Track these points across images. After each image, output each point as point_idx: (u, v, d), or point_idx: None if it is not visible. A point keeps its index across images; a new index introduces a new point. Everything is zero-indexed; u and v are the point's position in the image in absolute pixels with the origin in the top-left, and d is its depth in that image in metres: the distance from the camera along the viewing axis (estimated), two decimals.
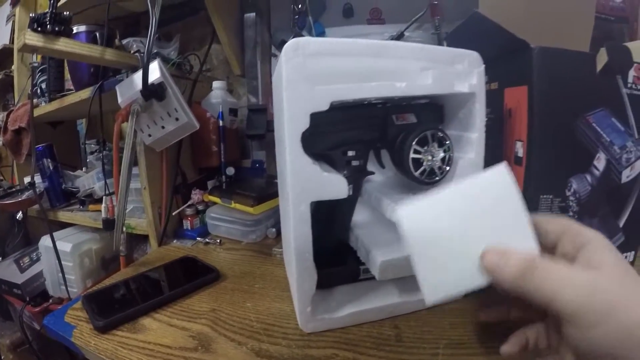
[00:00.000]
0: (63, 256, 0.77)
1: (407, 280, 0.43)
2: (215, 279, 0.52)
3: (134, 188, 0.73)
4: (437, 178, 0.37)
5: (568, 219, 0.28)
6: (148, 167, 0.69)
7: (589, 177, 0.40)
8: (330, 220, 0.46)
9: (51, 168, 0.88)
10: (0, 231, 0.94)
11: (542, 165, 0.38)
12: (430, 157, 0.35)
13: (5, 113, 0.90)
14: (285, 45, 0.31)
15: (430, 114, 0.40)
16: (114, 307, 0.45)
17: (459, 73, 0.35)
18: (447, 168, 0.37)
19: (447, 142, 0.36)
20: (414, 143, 0.34)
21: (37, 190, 0.85)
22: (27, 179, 0.93)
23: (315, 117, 0.40)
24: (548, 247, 0.28)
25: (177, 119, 0.62)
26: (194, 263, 0.57)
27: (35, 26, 0.54)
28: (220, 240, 0.70)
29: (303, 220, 0.34)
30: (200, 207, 0.77)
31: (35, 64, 0.71)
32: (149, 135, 0.64)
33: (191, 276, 0.53)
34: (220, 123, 0.77)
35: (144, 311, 0.45)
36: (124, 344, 0.40)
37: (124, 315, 0.43)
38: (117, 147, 0.56)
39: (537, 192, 0.38)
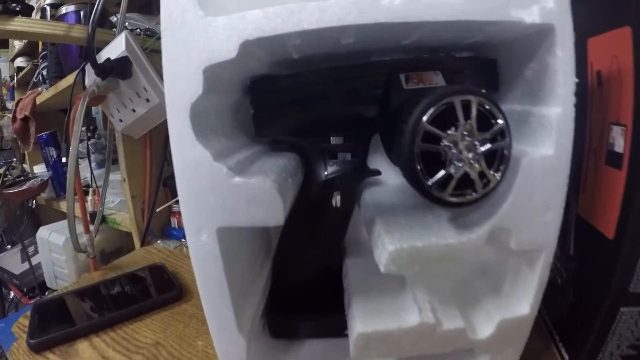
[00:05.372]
0: (56, 249, 0.72)
1: None
2: (174, 299, 0.42)
3: (116, 180, 0.65)
4: (474, 194, 0.19)
5: None
6: (127, 157, 0.60)
7: None
8: (312, 238, 0.32)
9: (55, 157, 0.84)
10: (11, 220, 0.95)
11: None
12: (460, 152, 0.18)
13: (15, 102, 0.88)
14: None
15: (475, 76, 0.24)
16: (54, 324, 0.39)
17: None
18: (498, 175, 0.19)
19: (500, 122, 0.19)
20: (425, 117, 0.18)
21: (41, 179, 0.83)
22: (36, 168, 0.91)
23: (266, 81, 0.26)
24: None
25: (147, 100, 0.51)
26: (159, 275, 0.47)
27: None
28: None
29: (210, 258, 0.20)
30: None
31: None
32: (120, 120, 0.55)
33: (148, 294, 0.43)
34: None
35: (83, 333, 0.38)
36: None
37: (61, 335, 0.37)
38: (72, 133, 0.47)
39: None
